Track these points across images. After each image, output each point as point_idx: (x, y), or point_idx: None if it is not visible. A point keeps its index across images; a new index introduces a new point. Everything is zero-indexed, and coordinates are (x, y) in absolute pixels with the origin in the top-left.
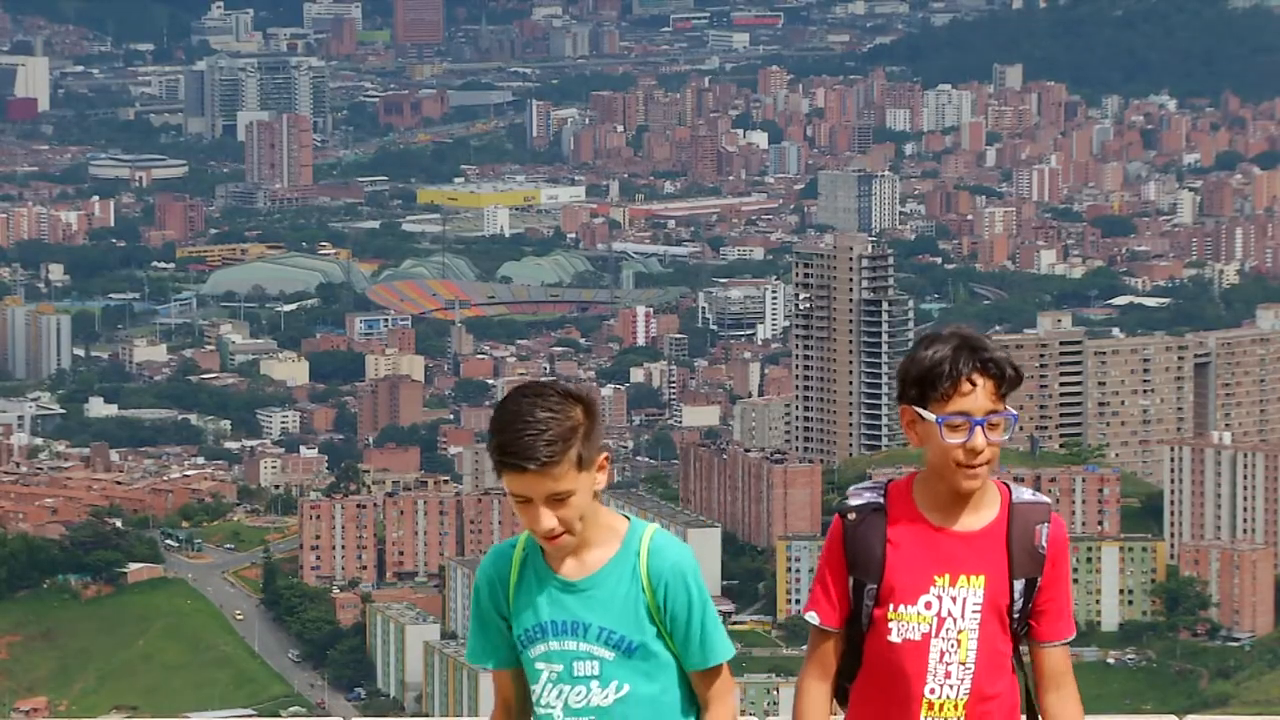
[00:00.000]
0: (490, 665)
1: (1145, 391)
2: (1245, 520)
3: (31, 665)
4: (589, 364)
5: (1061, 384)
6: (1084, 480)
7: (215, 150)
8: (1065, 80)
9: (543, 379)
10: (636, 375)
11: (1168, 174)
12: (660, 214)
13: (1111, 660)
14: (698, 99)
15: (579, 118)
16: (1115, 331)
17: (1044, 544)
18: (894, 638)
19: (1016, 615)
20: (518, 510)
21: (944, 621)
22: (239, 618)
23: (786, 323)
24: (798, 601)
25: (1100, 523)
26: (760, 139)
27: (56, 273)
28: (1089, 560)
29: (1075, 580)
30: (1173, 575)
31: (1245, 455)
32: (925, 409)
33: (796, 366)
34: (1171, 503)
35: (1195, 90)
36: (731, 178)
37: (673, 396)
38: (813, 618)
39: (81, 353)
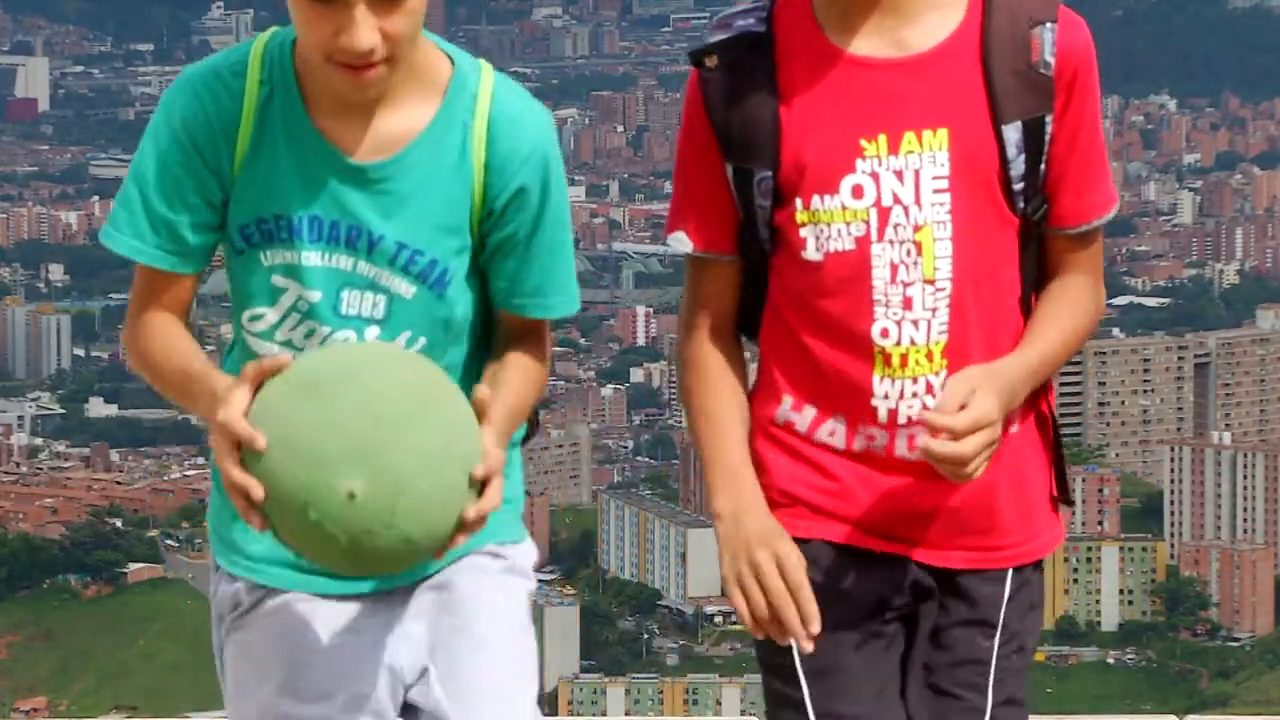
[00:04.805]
0: (152, 259)
1: (1145, 391)
2: (1245, 520)
3: (31, 665)
4: (589, 364)
5: (1061, 384)
6: (1084, 480)
7: None
8: None
9: None
10: (636, 375)
11: (1168, 174)
12: (660, 214)
13: (1111, 660)
14: None
15: (579, 118)
16: (1115, 331)
17: (1050, 57)
18: (811, 253)
19: (1020, 186)
20: (306, 20)
21: (888, 214)
22: None
23: None
24: None
25: (1100, 523)
26: None
27: (56, 273)
28: (1089, 560)
29: (1075, 580)
30: (1173, 575)
31: (1245, 455)
32: None
33: None
34: (1171, 503)
35: (1195, 90)
36: None
37: (673, 396)
38: (679, 241)
39: (81, 353)
